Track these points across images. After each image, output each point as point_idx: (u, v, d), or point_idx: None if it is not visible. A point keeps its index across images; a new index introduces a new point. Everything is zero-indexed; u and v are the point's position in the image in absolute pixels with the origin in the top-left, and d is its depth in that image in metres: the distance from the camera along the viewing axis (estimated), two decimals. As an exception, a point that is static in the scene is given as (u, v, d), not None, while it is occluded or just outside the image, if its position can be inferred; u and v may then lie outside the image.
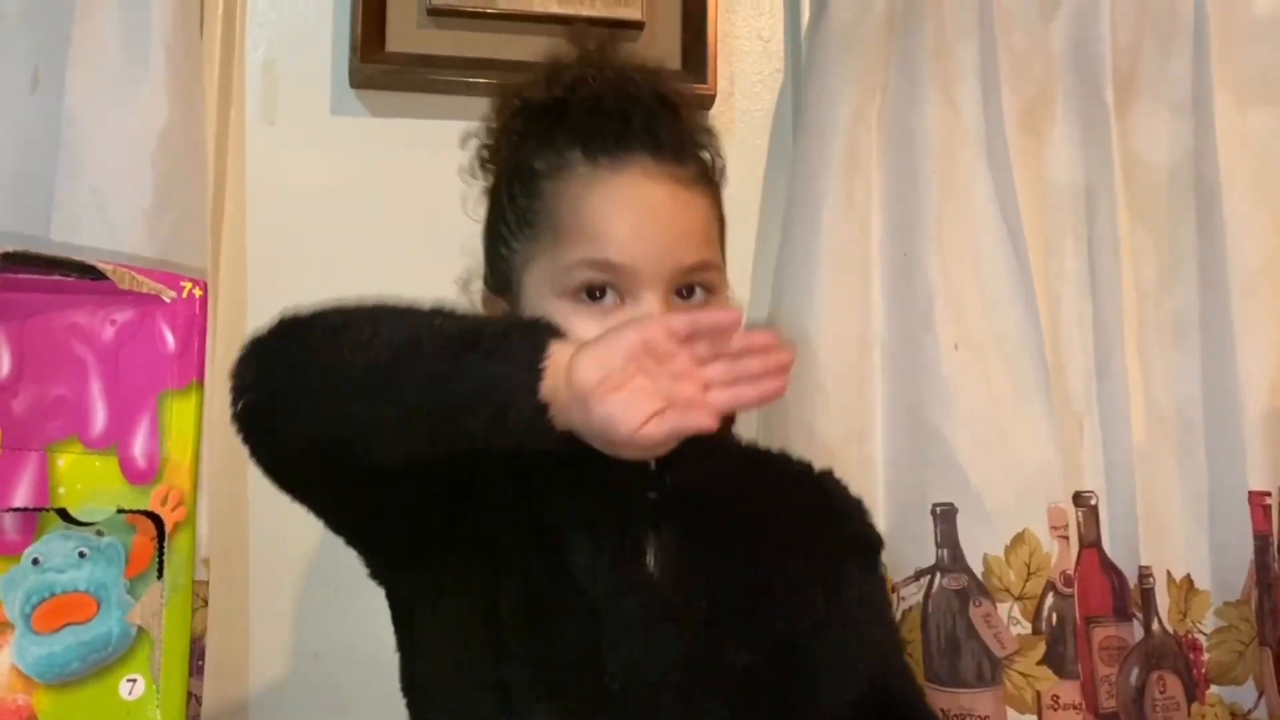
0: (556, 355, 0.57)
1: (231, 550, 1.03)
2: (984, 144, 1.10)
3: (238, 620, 1.04)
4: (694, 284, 0.69)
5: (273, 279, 1.06)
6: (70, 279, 0.65)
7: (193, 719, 0.88)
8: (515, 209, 0.73)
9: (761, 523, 0.74)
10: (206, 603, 0.97)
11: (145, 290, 0.67)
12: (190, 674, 0.73)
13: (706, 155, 0.74)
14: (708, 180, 0.73)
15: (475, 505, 0.69)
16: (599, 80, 0.72)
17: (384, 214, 1.10)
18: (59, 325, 0.66)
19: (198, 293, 0.68)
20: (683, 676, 0.67)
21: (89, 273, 0.65)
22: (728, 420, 0.72)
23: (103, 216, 0.93)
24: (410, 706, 0.73)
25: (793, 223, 1.10)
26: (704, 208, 0.71)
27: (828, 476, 0.82)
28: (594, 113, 0.70)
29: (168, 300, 0.68)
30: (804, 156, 1.11)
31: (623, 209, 0.68)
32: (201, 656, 0.94)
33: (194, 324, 0.69)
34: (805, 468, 0.82)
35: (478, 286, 0.78)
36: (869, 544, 0.79)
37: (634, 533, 0.70)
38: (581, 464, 0.65)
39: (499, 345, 0.59)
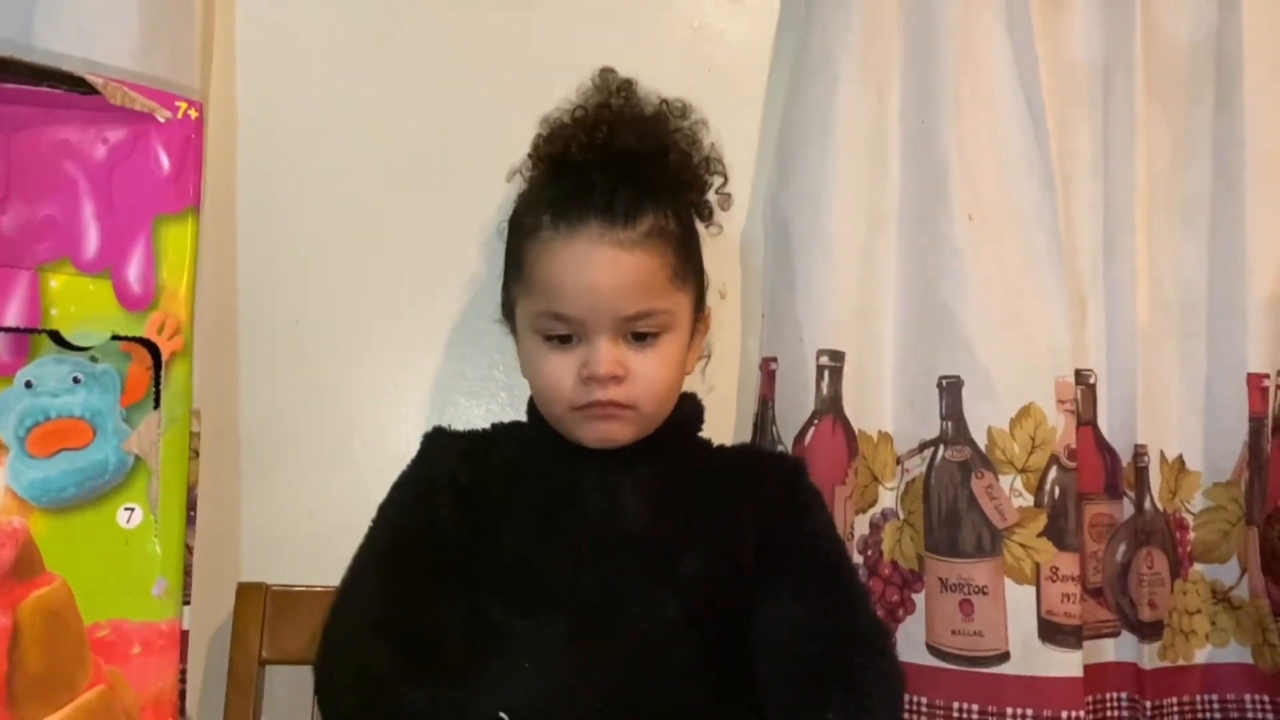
0: None
1: (222, 402, 1.02)
2: (1005, 12, 1.06)
3: (229, 473, 1.03)
4: (639, 330, 0.85)
5: (264, 115, 1.03)
6: (59, 91, 0.61)
7: (184, 568, 0.88)
8: (510, 253, 0.90)
9: (718, 488, 0.89)
10: (197, 454, 0.95)
11: (138, 108, 0.64)
12: (186, 516, 0.72)
13: (664, 209, 0.86)
14: (659, 234, 0.85)
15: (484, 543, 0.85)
16: (582, 149, 0.86)
17: (379, 53, 1.07)
18: (48, 141, 0.63)
19: (193, 114, 0.64)
20: (646, 586, 0.82)
21: (79, 85, 0.61)
22: (696, 421, 0.92)
23: (88, 58, 0.89)
24: None
25: (804, 86, 1.07)
26: (648, 263, 0.84)
27: (779, 455, 1.00)
28: (568, 182, 0.85)
29: (162, 120, 0.65)
30: (820, 20, 1.07)
31: (571, 271, 0.83)
32: (193, 508, 0.93)
33: (189, 146, 0.66)
34: (759, 449, 1.02)
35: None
36: (794, 491, 0.91)
37: (612, 490, 0.86)
38: (570, 449, 0.87)
39: None
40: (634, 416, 0.86)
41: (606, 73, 0.93)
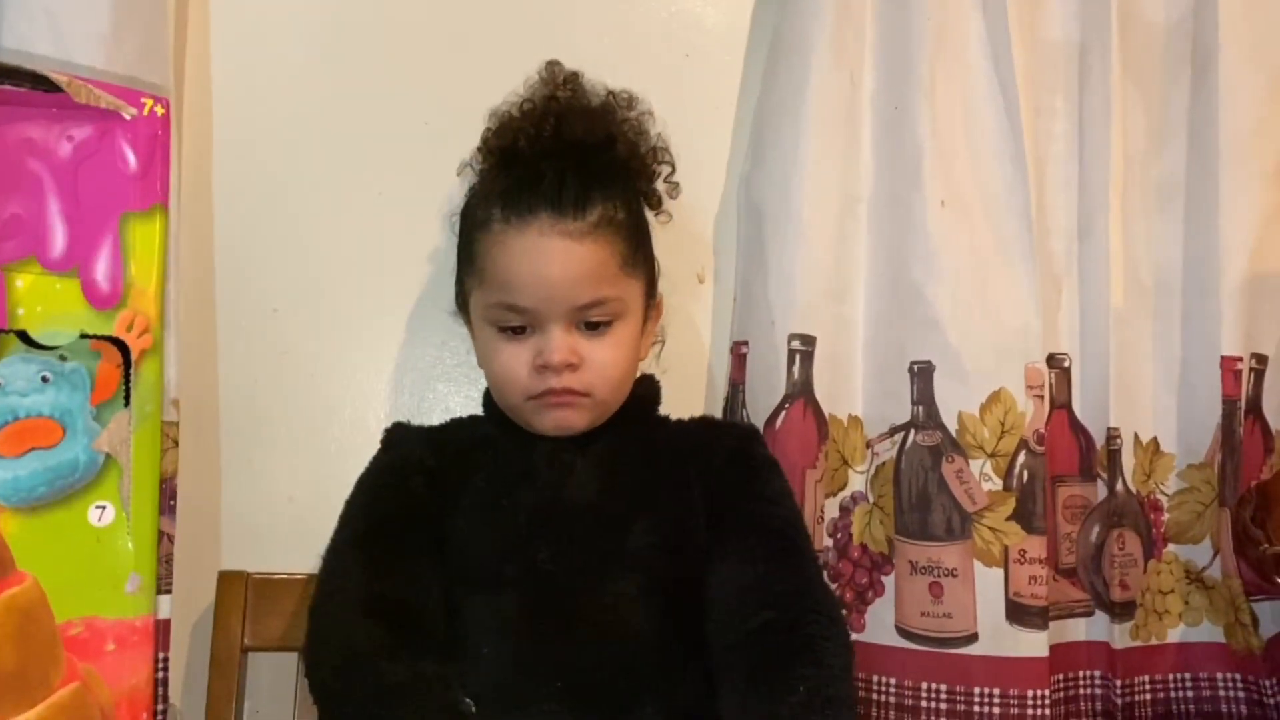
0: None
1: (201, 391, 1.02)
2: (980, -7, 1.06)
3: (209, 462, 1.03)
4: (592, 319, 0.86)
5: (239, 103, 1.03)
6: (22, 90, 0.61)
7: (165, 557, 0.88)
8: (461, 245, 0.91)
9: (671, 461, 0.90)
10: (177, 444, 0.95)
11: (104, 105, 0.63)
12: (161, 512, 0.72)
13: (613, 199, 0.87)
14: (609, 223, 0.86)
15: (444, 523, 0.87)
16: (531, 141, 0.87)
17: (355, 42, 1.06)
18: (11, 139, 0.63)
19: (159, 110, 0.64)
20: (598, 558, 0.84)
21: (42, 83, 0.61)
22: (653, 402, 0.94)
23: (57, 40, 0.88)
24: None
25: (778, 69, 1.07)
26: (599, 252, 0.85)
27: (731, 424, 1.03)
28: (517, 174, 0.86)
29: (128, 117, 0.65)
30: (794, 3, 1.07)
31: (523, 263, 0.84)
32: (173, 497, 0.93)
33: (156, 143, 0.66)
34: (715, 421, 1.03)
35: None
36: (742, 457, 0.92)
37: (563, 467, 0.88)
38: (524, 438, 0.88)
39: None
40: (589, 404, 0.87)
41: (553, 65, 0.94)
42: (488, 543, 0.85)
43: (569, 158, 0.86)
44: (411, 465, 0.89)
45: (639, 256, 0.90)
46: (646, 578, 0.84)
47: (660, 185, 0.96)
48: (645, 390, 0.94)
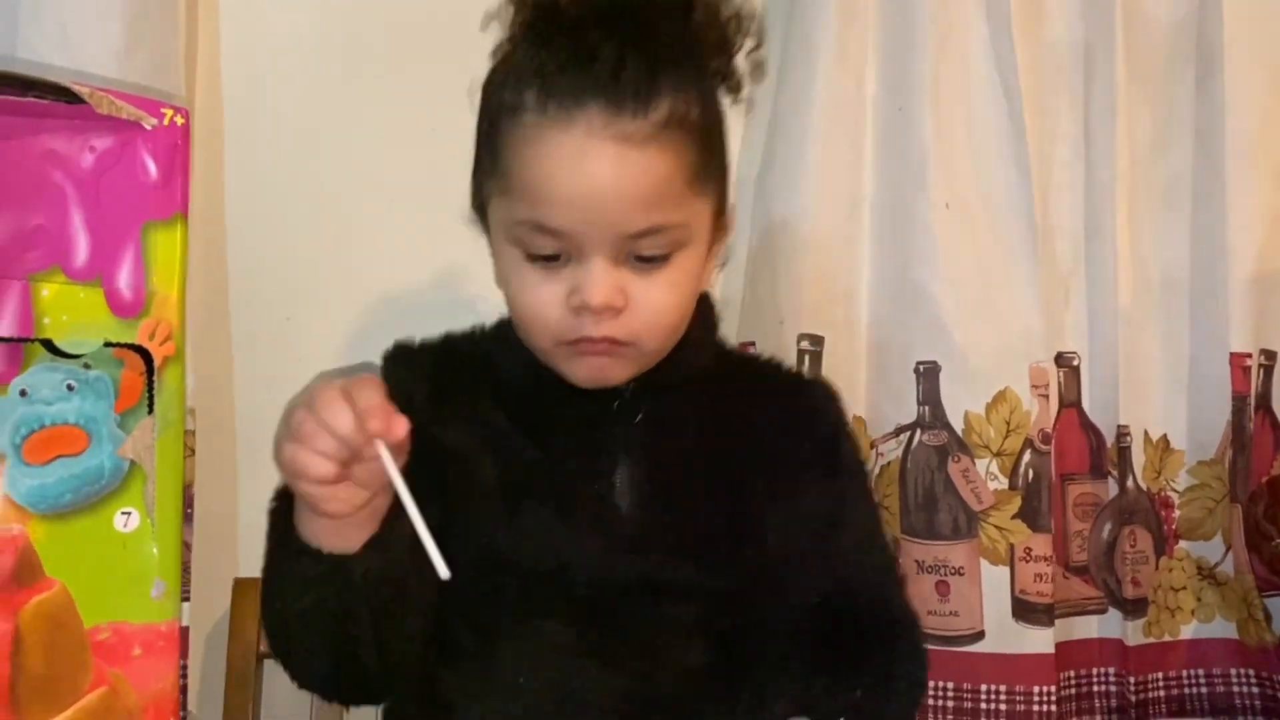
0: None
1: (217, 399, 1.02)
2: (984, -3, 1.07)
3: (225, 470, 1.04)
4: (645, 252, 0.66)
5: (250, 113, 1.04)
6: (45, 101, 0.62)
7: (183, 565, 0.89)
8: (482, 131, 0.70)
9: (732, 448, 0.74)
10: (194, 452, 0.96)
11: (125, 116, 0.64)
12: (185, 518, 0.73)
13: (686, 88, 0.66)
14: (679, 124, 0.66)
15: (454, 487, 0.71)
16: (579, 1, 0.66)
17: (366, 51, 1.06)
18: (35, 151, 0.63)
19: (179, 120, 0.65)
20: (649, 594, 0.70)
21: (65, 95, 0.62)
22: (709, 329, 0.76)
23: (71, 53, 0.89)
24: None
25: (788, 74, 1.08)
26: (662, 164, 0.65)
27: (809, 388, 0.82)
28: (559, 47, 0.65)
29: (149, 127, 0.65)
30: (800, 6, 1.07)
31: (562, 173, 0.64)
32: (191, 505, 0.94)
33: (176, 153, 0.66)
34: (789, 380, 0.82)
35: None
36: (833, 455, 0.77)
37: (602, 468, 0.72)
38: (549, 402, 0.71)
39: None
40: (632, 354, 0.69)
41: None
42: (518, 548, 0.70)
43: (630, 26, 0.65)
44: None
45: (712, 166, 0.69)
46: (707, 615, 0.70)
47: (742, 62, 0.73)
48: (700, 322, 0.74)
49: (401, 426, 0.58)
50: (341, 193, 1.07)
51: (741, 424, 0.74)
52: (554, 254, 0.66)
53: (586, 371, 0.69)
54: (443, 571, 0.57)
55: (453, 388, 0.74)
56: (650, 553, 0.70)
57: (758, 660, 0.71)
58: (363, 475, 0.60)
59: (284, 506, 0.64)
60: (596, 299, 0.65)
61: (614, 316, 0.67)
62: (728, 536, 0.72)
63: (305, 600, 0.63)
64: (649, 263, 0.67)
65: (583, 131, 0.63)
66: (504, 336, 0.74)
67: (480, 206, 0.72)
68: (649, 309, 0.67)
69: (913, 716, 0.74)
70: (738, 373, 0.78)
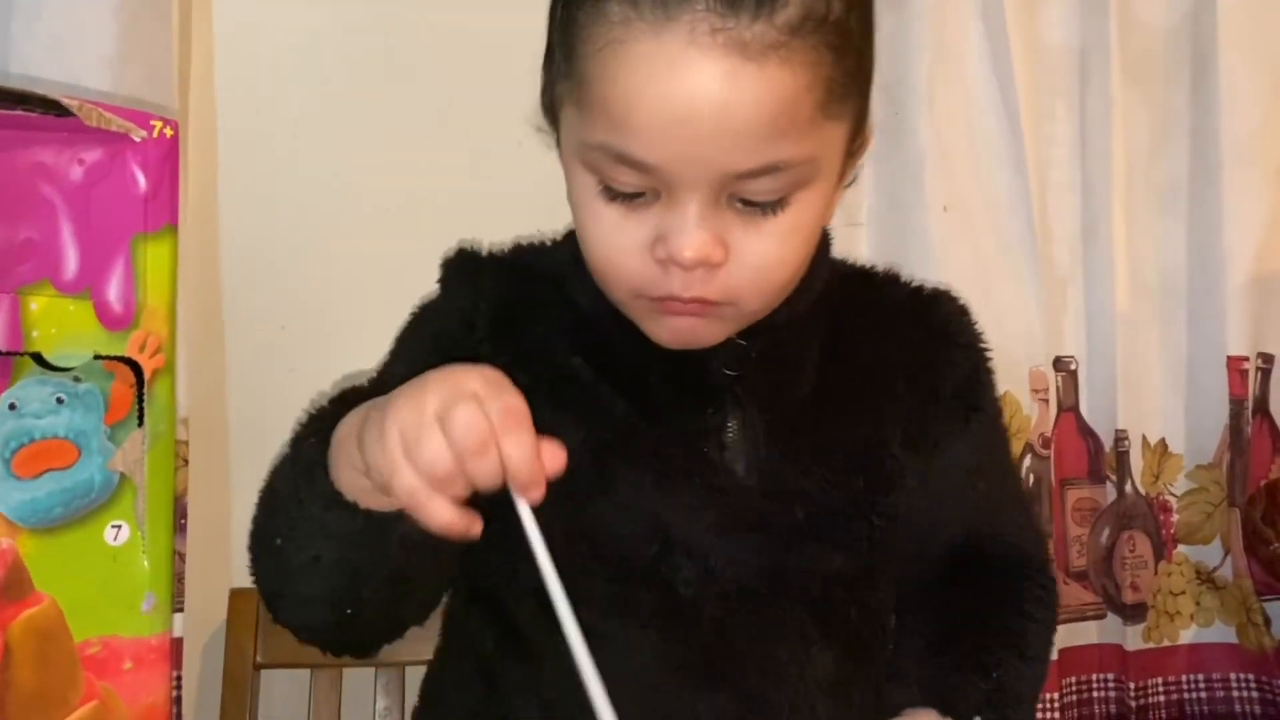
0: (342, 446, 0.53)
1: (210, 409, 1.02)
2: (979, 0, 1.06)
3: (219, 480, 1.04)
4: (755, 197, 0.52)
5: (244, 127, 1.04)
6: (34, 114, 0.61)
7: (176, 576, 0.89)
8: (558, 23, 0.56)
9: (861, 391, 0.62)
10: (187, 462, 0.96)
11: (114, 128, 0.64)
12: (177, 530, 0.73)
13: None
14: (815, 26, 0.50)
15: None
16: None
17: (362, 61, 1.06)
18: (24, 164, 0.63)
19: (169, 132, 0.65)
20: (767, 585, 0.59)
21: (54, 108, 0.62)
22: (824, 247, 0.61)
23: (64, 65, 0.90)
24: (456, 604, 0.68)
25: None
26: (787, 83, 0.50)
27: (937, 306, 0.67)
28: None
29: (138, 139, 0.65)
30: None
31: (653, 91, 0.50)
32: (184, 515, 0.94)
33: (166, 165, 0.66)
34: (912, 296, 0.67)
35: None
36: (974, 392, 0.65)
37: (711, 425, 0.59)
38: (639, 343, 0.58)
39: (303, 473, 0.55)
40: (731, 314, 0.56)
41: None
42: (611, 528, 0.58)
43: None
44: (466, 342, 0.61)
45: (855, 77, 0.54)
46: (828, 605, 0.60)
47: None
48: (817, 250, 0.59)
49: (553, 470, 0.48)
50: (336, 202, 1.07)
51: (869, 359, 0.62)
52: (638, 191, 0.53)
53: (670, 334, 0.57)
54: (574, 640, 0.48)
55: (523, 320, 0.62)
56: (771, 530, 0.59)
57: (879, 648, 0.62)
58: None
59: (317, 441, 0.55)
60: (687, 253, 0.52)
61: (709, 273, 0.53)
62: (862, 504, 0.60)
63: (322, 551, 0.55)
64: (758, 207, 0.53)
65: (687, 37, 0.48)
66: (581, 259, 0.59)
67: (550, 107, 0.58)
68: (754, 265, 0.54)
69: (1048, 661, 0.66)
70: (856, 293, 0.64)
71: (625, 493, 0.59)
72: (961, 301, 0.68)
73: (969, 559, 0.66)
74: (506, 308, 0.63)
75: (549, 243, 0.67)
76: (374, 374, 0.69)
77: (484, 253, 0.67)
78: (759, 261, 0.54)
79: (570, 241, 0.61)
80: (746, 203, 0.53)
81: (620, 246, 0.54)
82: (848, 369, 0.62)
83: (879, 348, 0.63)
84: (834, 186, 0.57)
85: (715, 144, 0.50)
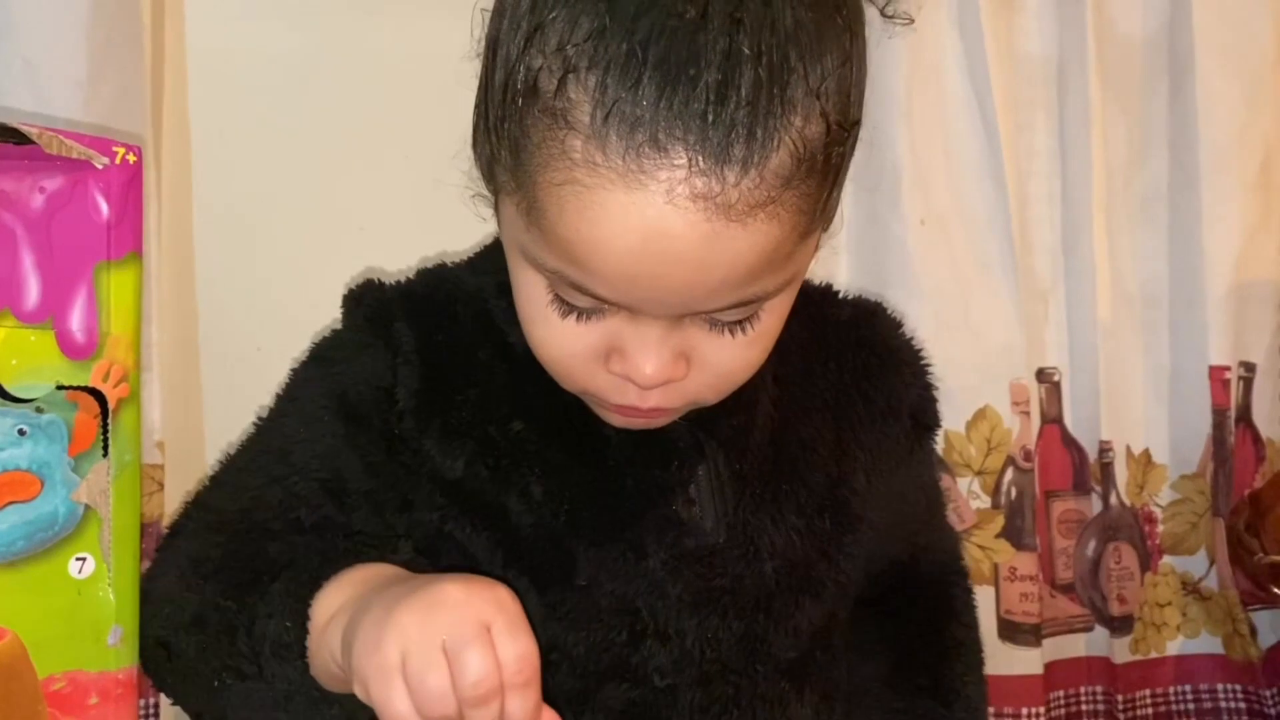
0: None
1: (186, 432, 1.01)
2: (956, 12, 1.06)
3: (195, 504, 1.02)
4: (730, 319, 0.49)
5: (217, 149, 1.03)
6: (-6, 144, 0.61)
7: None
8: (492, 90, 0.49)
9: (817, 423, 0.59)
10: (162, 486, 0.95)
11: (75, 155, 0.63)
12: (144, 558, 0.72)
13: (816, 104, 0.44)
14: (801, 173, 0.44)
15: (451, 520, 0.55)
16: None
17: (335, 83, 1.06)
18: (-16, 193, 0.63)
19: (131, 158, 0.64)
20: (744, 659, 0.56)
21: (13, 136, 0.61)
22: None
23: (36, 89, 0.89)
24: None
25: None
26: (770, 235, 0.44)
27: (878, 322, 0.66)
28: (639, 34, 0.41)
29: (100, 166, 0.64)
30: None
31: (624, 247, 0.44)
32: (159, 540, 0.93)
33: (130, 191, 0.65)
34: (852, 313, 0.66)
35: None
36: (924, 414, 0.65)
37: (677, 481, 0.55)
38: (586, 404, 0.53)
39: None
40: (690, 408, 0.54)
41: None
42: (579, 619, 0.55)
43: (745, 19, 0.42)
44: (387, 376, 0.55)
45: (835, 192, 0.49)
46: (801, 664, 0.58)
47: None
48: None
49: None
50: (311, 223, 1.06)
51: (823, 386, 0.60)
52: (595, 308, 0.49)
53: (623, 424, 0.54)
54: None
55: (452, 382, 0.55)
56: (742, 591, 0.55)
57: (844, 681, 0.61)
58: None
59: (292, 625, 0.50)
60: (648, 372, 0.48)
61: (669, 385, 0.50)
62: (827, 547, 0.58)
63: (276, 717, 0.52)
64: (725, 324, 0.50)
65: (664, 196, 0.42)
66: (508, 289, 0.53)
67: (487, 176, 0.53)
68: (718, 372, 0.51)
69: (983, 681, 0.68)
70: (795, 313, 0.56)
71: (588, 573, 0.54)
72: (896, 315, 0.68)
73: (905, 572, 0.67)
74: (430, 369, 0.56)
75: (461, 266, 0.61)
76: (260, 419, 0.64)
77: (391, 291, 0.60)
78: (723, 369, 0.51)
79: (489, 266, 0.56)
80: (714, 321, 0.50)
81: (574, 353, 0.50)
82: (803, 396, 0.60)
83: (831, 373, 0.61)
84: (803, 274, 0.54)
85: (688, 293, 0.46)
